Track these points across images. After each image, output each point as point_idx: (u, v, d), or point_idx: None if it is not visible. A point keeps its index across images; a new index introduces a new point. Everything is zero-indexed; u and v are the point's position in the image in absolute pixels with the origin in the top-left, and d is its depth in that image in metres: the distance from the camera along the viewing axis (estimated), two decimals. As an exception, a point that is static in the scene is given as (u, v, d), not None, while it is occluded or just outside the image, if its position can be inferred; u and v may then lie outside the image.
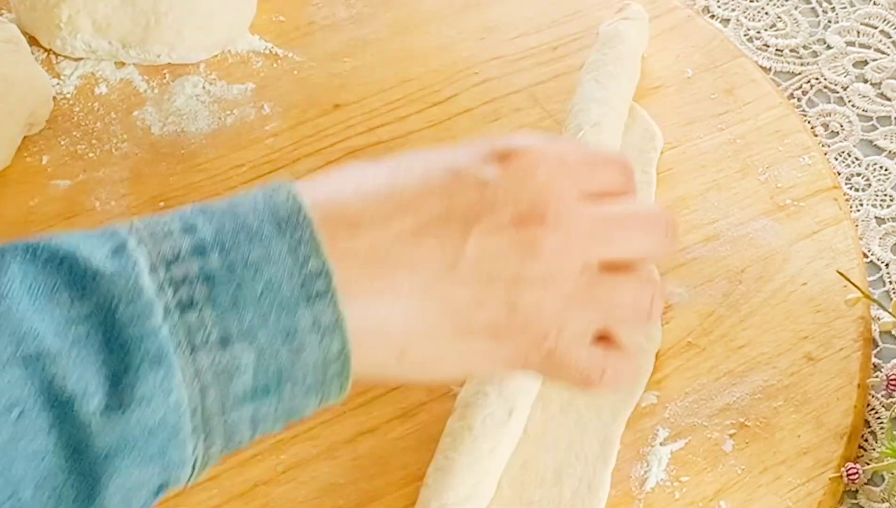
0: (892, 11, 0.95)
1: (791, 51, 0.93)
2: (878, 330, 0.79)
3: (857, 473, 0.72)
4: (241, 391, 0.56)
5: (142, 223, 0.57)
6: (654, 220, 0.64)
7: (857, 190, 0.86)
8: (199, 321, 0.55)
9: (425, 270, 0.58)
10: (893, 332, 0.79)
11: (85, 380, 0.53)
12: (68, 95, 0.89)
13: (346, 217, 0.58)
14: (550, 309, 0.60)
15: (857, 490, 0.73)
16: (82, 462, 0.53)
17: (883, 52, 0.93)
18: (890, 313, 0.79)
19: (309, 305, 0.56)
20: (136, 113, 0.88)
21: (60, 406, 0.53)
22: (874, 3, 0.95)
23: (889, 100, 0.91)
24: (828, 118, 0.90)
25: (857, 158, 0.88)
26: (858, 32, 0.94)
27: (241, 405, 0.56)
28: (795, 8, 0.95)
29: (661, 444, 0.73)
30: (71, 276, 0.54)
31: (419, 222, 0.59)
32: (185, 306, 0.55)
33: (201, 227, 0.57)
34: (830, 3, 0.96)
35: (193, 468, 0.57)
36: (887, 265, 0.83)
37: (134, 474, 0.54)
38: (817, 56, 0.93)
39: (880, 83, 0.91)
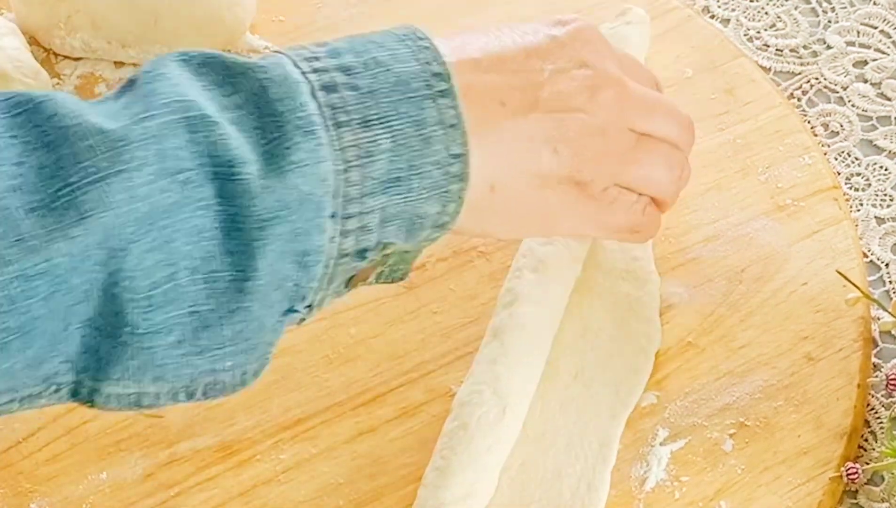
0: (892, 11, 0.95)
1: (791, 51, 0.93)
2: (877, 330, 0.79)
3: (856, 473, 0.72)
4: (377, 175, 0.60)
5: (283, 48, 0.63)
6: (680, 114, 0.73)
7: (857, 190, 0.86)
8: (341, 100, 0.60)
9: (510, 101, 0.65)
10: (893, 332, 0.79)
11: (245, 147, 0.57)
12: (68, 95, 0.89)
13: (459, 49, 0.65)
14: (606, 164, 0.68)
15: (856, 490, 0.73)
16: (240, 236, 0.56)
17: (883, 52, 0.93)
18: (890, 313, 0.79)
19: (434, 101, 0.62)
20: (135, 113, 0.88)
21: (224, 171, 0.56)
22: (874, 3, 0.95)
23: (889, 100, 0.91)
24: (828, 118, 0.90)
25: (857, 158, 0.88)
26: (858, 32, 0.94)
27: (375, 194, 0.60)
28: (795, 8, 0.95)
29: (661, 444, 0.73)
30: (222, 74, 0.59)
31: (502, 55, 0.67)
32: (329, 88, 0.60)
33: (332, 42, 0.63)
34: (830, 3, 0.95)
35: (319, 285, 0.61)
36: (887, 265, 0.83)
37: (280, 259, 0.58)
38: (817, 56, 0.93)
39: (880, 83, 0.91)
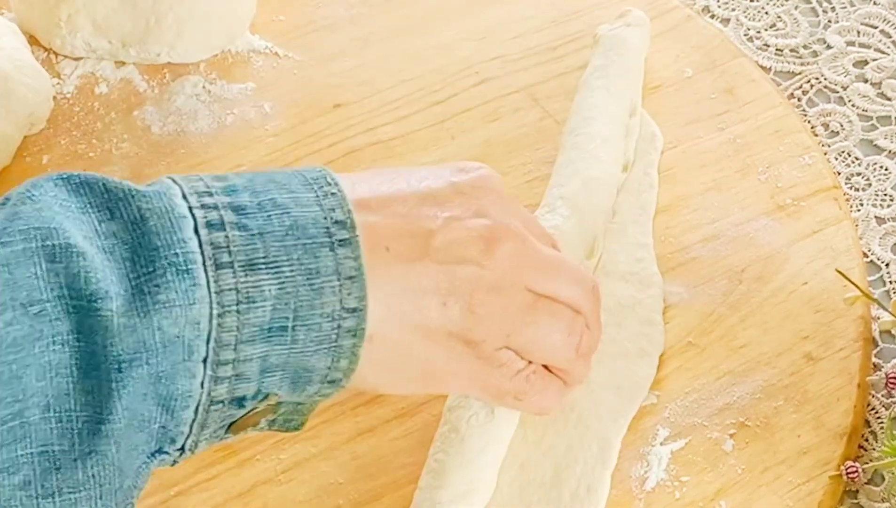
0: (892, 11, 0.95)
1: (791, 51, 0.93)
2: (877, 330, 0.79)
3: (856, 472, 0.72)
4: (258, 322, 0.56)
5: (177, 176, 0.59)
6: (584, 278, 0.68)
7: (857, 190, 0.86)
8: (226, 240, 0.56)
9: (399, 248, 0.61)
10: (893, 331, 0.79)
11: (109, 280, 0.54)
12: (68, 95, 0.89)
13: (359, 200, 0.61)
14: (500, 323, 0.63)
15: (857, 490, 0.73)
16: (97, 375, 0.53)
17: (883, 52, 0.93)
18: (890, 312, 0.79)
19: (332, 250, 0.58)
20: (136, 113, 0.88)
21: (83, 305, 0.53)
22: (874, 3, 0.95)
23: (889, 100, 0.91)
24: (828, 118, 0.90)
25: (857, 158, 0.88)
26: (858, 32, 0.94)
27: (254, 342, 0.57)
28: (795, 8, 0.95)
29: (661, 444, 0.73)
30: (102, 197, 0.56)
31: (392, 200, 0.62)
32: (214, 225, 0.56)
33: (232, 177, 0.59)
34: (830, 3, 0.96)
35: (191, 430, 0.57)
36: (887, 265, 0.83)
37: (142, 402, 0.54)
38: (817, 56, 0.93)
39: (880, 83, 0.91)
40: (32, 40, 0.91)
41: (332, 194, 0.60)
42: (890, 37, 0.94)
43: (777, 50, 0.93)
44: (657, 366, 0.76)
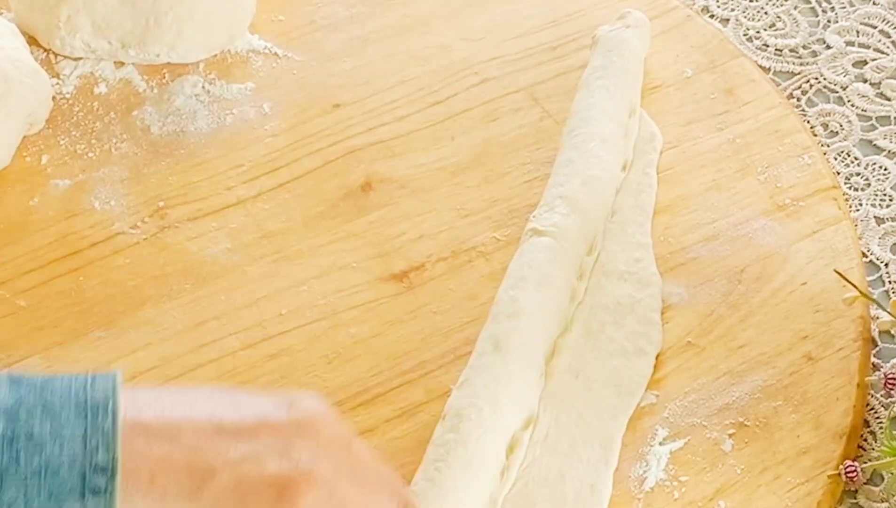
0: (892, 11, 0.95)
1: (791, 51, 0.93)
2: (877, 330, 0.79)
3: (855, 472, 0.72)
4: None
5: None
6: None
7: (856, 190, 0.86)
8: None
9: (166, 489, 0.55)
10: (892, 331, 0.79)
11: None
12: (68, 95, 0.89)
13: (148, 426, 0.55)
14: None
15: (856, 490, 0.73)
16: None
17: (882, 52, 0.93)
18: (889, 312, 0.79)
19: (83, 499, 0.53)
20: (135, 113, 0.88)
21: None
22: (874, 3, 0.95)
23: (888, 100, 0.91)
24: (827, 118, 0.90)
25: (856, 158, 0.88)
26: (858, 32, 0.94)
27: None
28: (795, 8, 0.95)
29: (660, 444, 0.73)
30: None
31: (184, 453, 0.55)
32: None
33: (3, 394, 0.54)
34: (830, 3, 0.95)
35: None
36: (886, 265, 0.83)
37: None
38: (817, 56, 0.93)
39: (880, 83, 0.91)
40: (32, 41, 0.90)
41: (103, 429, 0.53)
42: (889, 37, 0.94)
43: (777, 50, 0.93)
44: (656, 365, 0.76)
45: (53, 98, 0.88)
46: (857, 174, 0.87)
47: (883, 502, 0.73)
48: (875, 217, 0.85)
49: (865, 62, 0.92)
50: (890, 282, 0.82)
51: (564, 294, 0.76)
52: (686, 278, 0.80)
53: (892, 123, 0.89)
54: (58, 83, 0.89)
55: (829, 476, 0.72)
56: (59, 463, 0.53)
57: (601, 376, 0.74)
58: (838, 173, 0.87)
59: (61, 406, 0.54)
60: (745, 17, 0.95)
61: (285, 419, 0.57)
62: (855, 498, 0.73)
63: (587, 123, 0.82)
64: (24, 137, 0.86)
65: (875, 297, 0.81)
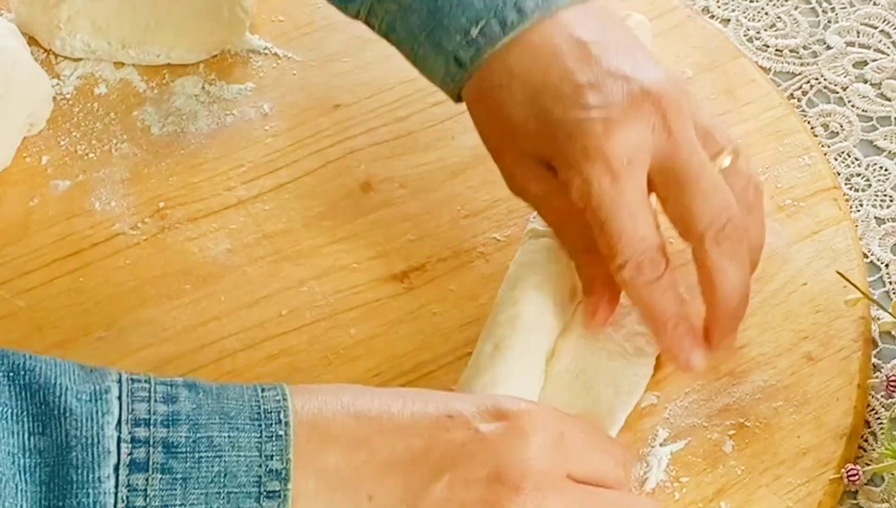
0: (892, 11, 0.94)
1: (791, 51, 0.93)
2: (877, 330, 0.79)
3: (856, 474, 0.72)
4: None
5: (131, 377, 0.57)
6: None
7: (857, 190, 0.86)
8: (144, 483, 0.55)
9: (381, 505, 0.57)
10: (893, 332, 0.79)
11: (20, 506, 0.53)
12: (68, 96, 0.89)
13: (325, 431, 0.58)
14: None
15: (856, 491, 0.73)
16: None
17: (883, 53, 0.93)
18: (890, 313, 0.79)
19: (259, 501, 0.56)
20: (135, 113, 0.88)
21: None
22: (874, 3, 0.95)
23: (889, 100, 0.90)
24: (828, 118, 0.90)
25: (856, 159, 0.88)
26: (858, 32, 0.94)
27: None
28: (795, 8, 0.95)
29: (660, 444, 0.73)
30: (41, 408, 0.55)
31: (391, 457, 0.58)
32: (138, 466, 0.55)
33: (182, 400, 0.57)
34: (830, 3, 0.95)
35: None
36: (887, 266, 0.83)
37: None
38: (817, 56, 0.93)
39: (880, 83, 0.91)
40: (32, 41, 0.90)
41: (278, 436, 0.57)
42: (890, 37, 0.94)
43: (777, 50, 0.93)
44: (656, 365, 0.76)
45: (53, 99, 0.88)
46: (858, 175, 0.87)
47: (883, 503, 0.73)
48: (876, 218, 0.85)
49: (866, 63, 0.92)
50: (890, 283, 0.82)
51: (564, 294, 0.76)
52: (686, 278, 0.80)
53: (893, 123, 0.89)
54: (58, 84, 0.89)
55: (830, 480, 0.72)
56: (236, 469, 0.56)
57: (600, 376, 0.74)
58: (839, 174, 0.87)
59: (237, 413, 0.57)
60: (746, 17, 0.95)
61: (494, 433, 0.59)
62: (855, 499, 0.73)
63: None
64: (25, 137, 0.86)
65: (876, 297, 0.81)
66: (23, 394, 0.55)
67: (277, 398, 0.58)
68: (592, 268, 0.73)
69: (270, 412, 0.58)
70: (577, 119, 0.69)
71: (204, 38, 0.90)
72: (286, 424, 0.57)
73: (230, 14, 0.90)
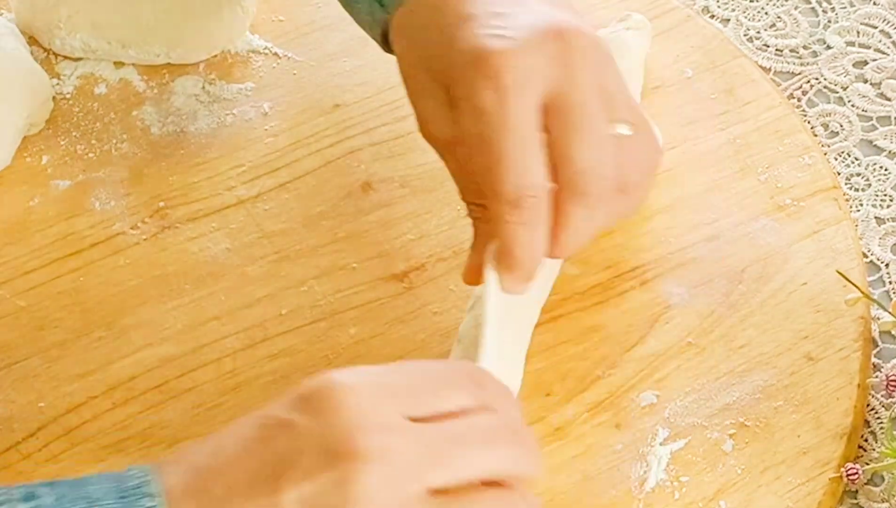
0: (892, 11, 0.94)
1: (791, 51, 0.93)
2: (877, 330, 0.79)
3: (856, 473, 0.72)
4: None
5: None
6: (509, 433, 0.58)
7: (857, 190, 0.86)
8: None
9: None
10: (893, 332, 0.79)
11: None
12: (68, 95, 0.89)
13: (193, 488, 0.56)
14: None
15: (856, 491, 0.73)
16: None
17: (883, 53, 0.93)
18: (890, 313, 0.79)
19: None
20: (135, 113, 0.88)
21: None
22: (874, 3, 0.95)
23: (889, 100, 0.90)
24: (828, 118, 0.90)
25: (856, 158, 0.88)
26: (858, 32, 0.94)
27: None
28: (795, 8, 0.95)
29: (660, 444, 0.73)
30: None
31: (238, 493, 0.55)
32: None
33: (43, 496, 0.55)
34: (830, 3, 0.95)
35: None
36: (887, 265, 0.83)
37: None
38: (817, 56, 0.93)
39: (880, 83, 0.91)
40: (32, 41, 0.90)
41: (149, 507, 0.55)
42: (890, 37, 0.94)
43: (777, 50, 0.93)
44: (656, 365, 0.76)
45: (53, 98, 0.88)
46: (858, 175, 0.87)
47: (883, 502, 0.73)
48: (876, 217, 0.85)
49: (866, 62, 0.92)
50: (890, 282, 0.82)
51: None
52: (686, 278, 0.80)
53: (893, 123, 0.89)
54: (58, 83, 0.89)
55: (830, 479, 0.72)
56: None
57: None
58: (839, 174, 0.87)
59: (103, 495, 0.55)
60: (746, 17, 0.95)
61: (303, 416, 0.57)
62: (855, 499, 0.73)
63: None
64: (25, 137, 0.86)
65: (876, 297, 0.81)
66: None
67: (141, 474, 0.56)
68: (484, 224, 0.70)
69: (137, 488, 0.56)
70: (477, 36, 0.68)
71: (204, 38, 0.90)
72: (153, 495, 0.55)
73: (230, 14, 0.90)
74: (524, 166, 0.66)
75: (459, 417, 0.58)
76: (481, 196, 0.69)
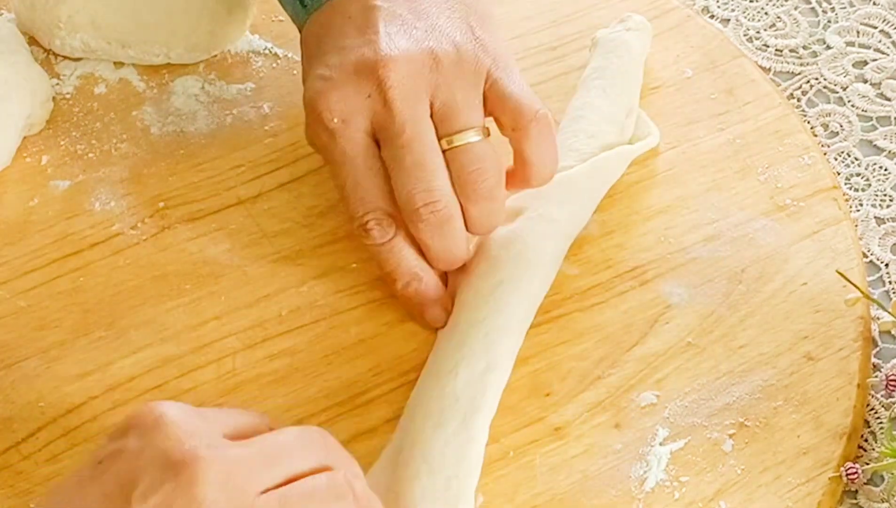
0: (892, 11, 0.95)
1: (791, 51, 0.93)
2: (877, 330, 0.79)
3: (856, 473, 0.72)
4: None
5: None
6: (307, 436, 0.63)
7: (856, 190, 0.86)
8: None
9: None
10: (893, 332, 0.79)
11: None
12: (67, 95, 0.89)
13: None
14: None
15: (856, 490, 0.73)
16: None
17: (883, 53, 0.93)
18: (889, 313, 0.79)
19: None
20: (135, 113, 0.88)
21: None
22: (874, 3, 0.95)
23: (889, 100, 0.91)
24: (828, 118, 0.90)
25: (856, 158, 0.88)
26: (858, 32, 0.94)
27: None
28: (795, 8, 0.95)
29: (660, 444, 0.73)
30: None
31: None
32: None
33: None
34: (830, 3, 0.95)
35: None
36: (887, 265, 0.83)
37: None
38: (817, 56, 0.93)
39: (880, 83, 0.91)
40: (32, 41, 0.90)
41: None
42: (890, 37, 0.94)
43: (777, 50, 0.93)
44: (656, 365, 0.76)
45: (53, 98, 0.88)
46: (858, 175, 0.87)
47: (883, 502, 0.73)
48: (875, 218, 0.85)
49: (866, 62, 0.92)
50: (890, 282, 0.82)
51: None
52: (686, 278, 0.80)
53: (893, 123, 0.89)
54: (58, 83, 0.89)
55: (829, 479, 0.72)
56: None
57: None
58: (838, 174, 0.87)
59: None
60: (746, 17, 0.95)
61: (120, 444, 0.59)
62: (855, 499, 0.73)
63: (576, 121, 0.83)
64: (25, 137, 0.86)
65: (875, 297, 0.81)
66: None
67: None
68: None
69: None
70: (311, 76, 0.76)
71: (204, 38, 0.90)
72: None
73: (230, 14, 0.90)
74: (360, 196, 0.75)
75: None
76: None
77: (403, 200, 0.74)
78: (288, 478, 0.60)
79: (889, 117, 0.90)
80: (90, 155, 0.86)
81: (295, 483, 0.60)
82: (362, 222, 0.75)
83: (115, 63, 0.90)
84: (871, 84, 0.91)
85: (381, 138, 0.75)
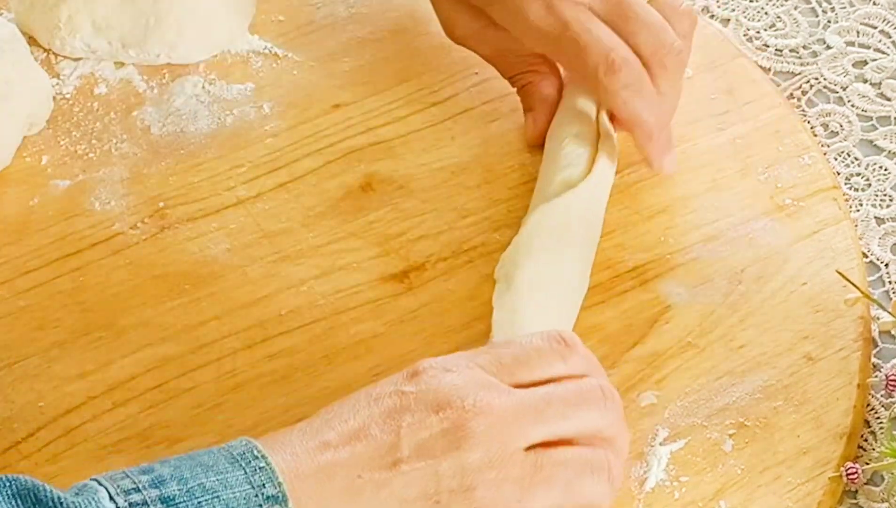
0: (892, 11, 0.95)
1: (791, 51, 0.93)
2: (877, 330, 0.79)
3: (856, 473, 0.72)
4: None
5: (102, 475, 0.60)
6: (591, 393, 0.65)
7: (856, 190, 0.86)
8: None
9: (369, 470, 0.61)
10: (893, 332, 0.79)
11: None
12: (68, 95, 0.89)
13: (287, 447, 0.62)
14: (507, 496, 0.62)
15: (856, 490, 0.73)
16: None
17: (883, 52, 0.93)
18: (889, 312, 0.79)
19: None
20: (135, 113, 0.88)
21: None
22: (874, 3, 0.95)
23: (889, 100, 0.91)
24: (827, 118, 0.90)
25: (856, 158, 0.88)
26: (858, 32, 0.94)
27: None
28: (795, 8, 0.95)
29: (660, 444, 0.73)
30: (34, 505, 0.57)
31: (347, 433, 0.62)
32: None
33: (158, 468, 0.60)
34: (830, 3, 0.95)
35: None
36: (887, 265, 0.83)
37: None
38: (817, 56, 0.93)
39: (880, 83, 0.91)
40: (32, 41, 0.90)
41: (261, 468, 0.60)
42: (889, 37, 0.94)
43: (777, 50, 0.93)
44: (656, 365, 0.76)
45: (53, 98, 0.88)
46: (858, 175, 0.87)
47: (883, 502, 0.73)
48: (875, 217, 0.85)
49: (866, 62, 0.92)
50: (890, 282, 0.82)
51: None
52: (686, 278, 0.80)
53: (893, 123, 0.89)
54: (58, 83, 0.89)
55: (829, 479, 0.72)
56: (236, 504, 0.59)
57: None
58: (838, 174, 0.87)
59: (214, 463, 0.60)
60: (746, 17, 0.95)
61: (415, 386, 0.64)
62: (855, 499, 0.73)
63: (568, 122, 0.83)
64: (25, 137, 0.86)
65: (875, 297, 0.81)
66: (13, 500, 0.57)
67: (241, 443, 0.61)
68: (531, 87, 0.84)
69: (244, 454, 0.61)
70: None
71: (204, 38, 0.90)
72: (263, 457, 0.60)
73: (230, 14, 0.90)
74: (601, 36, 0.78)
75: (552, 384, 0.65)
76: (527, 64, 0.84)
77: (649, 52, 0.79)
78: (554, 437, 0.63)
79: (889, 117, 0.90)
80: (90, 155, 0.86)
81: (554, 449, 0.63)
82: (608, 60, 0.78)
83: (115, 63, 0.90)
84: (871, 84, 0.91)
85: (609, 2, 0.80)
